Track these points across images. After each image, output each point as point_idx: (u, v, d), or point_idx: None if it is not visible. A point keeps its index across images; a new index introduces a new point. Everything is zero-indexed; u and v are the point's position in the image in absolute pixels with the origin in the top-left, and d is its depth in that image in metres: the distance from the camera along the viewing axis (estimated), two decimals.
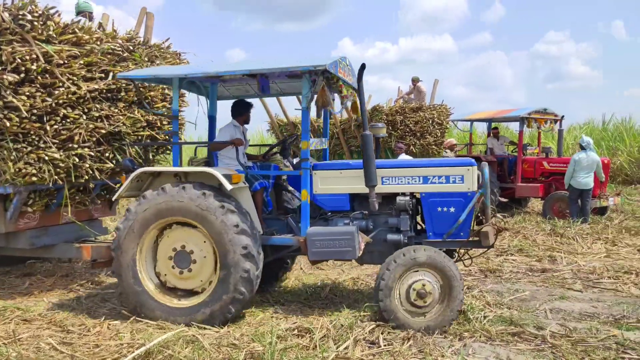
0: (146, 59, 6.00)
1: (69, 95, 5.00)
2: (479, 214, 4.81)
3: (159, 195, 4.52)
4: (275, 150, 5.84)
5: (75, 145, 5.11)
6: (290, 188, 5.54)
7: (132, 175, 4.70)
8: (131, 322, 4.57)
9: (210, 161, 5.41)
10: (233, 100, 5.53)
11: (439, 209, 4.67)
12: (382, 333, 4.17)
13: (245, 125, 5.54)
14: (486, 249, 4.81)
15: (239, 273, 4.38)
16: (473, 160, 4.71)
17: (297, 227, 4.93)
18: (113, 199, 5.45)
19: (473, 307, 4.69)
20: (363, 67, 4.45)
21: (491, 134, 12.58)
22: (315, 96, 4.77)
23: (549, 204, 10.06)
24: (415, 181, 4.72)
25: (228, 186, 4.46)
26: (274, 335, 3.99)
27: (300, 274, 6.56)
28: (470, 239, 4.69)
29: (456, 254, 5.04)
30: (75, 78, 5.09)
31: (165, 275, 4.68)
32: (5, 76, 4.56)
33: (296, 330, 4.23)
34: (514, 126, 16.18)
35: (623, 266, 6.39)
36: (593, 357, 3.77)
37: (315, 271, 6.55)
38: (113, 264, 4.70)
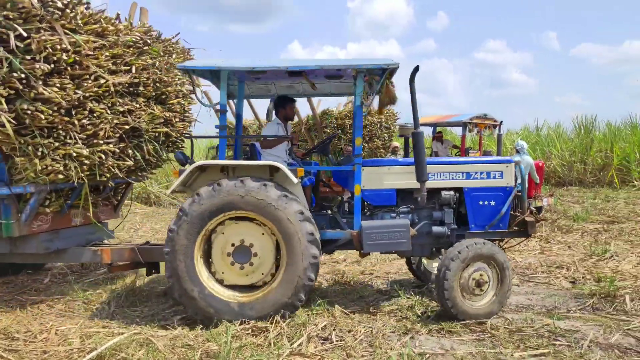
0: (161, 53, 5.85)
1: (96, 88, 4.79)
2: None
3: (215, 190, 4.44)
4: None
5: (101, 142, 4.85)
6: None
7: (189, 169, 4.58)
8: (80, 327, 4.48)
9: (253, 156, 5.37)
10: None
11: (481, 202, 4.97)
12: (334, 329, 4.32)
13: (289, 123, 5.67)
14: (524, 239, 5.16)
15: (308, 259, 4.42)
16: (511, 158, 5.09)
17: (343, 221, 5.05)
18: (168, 192, 5.31)
19: (420, 303, 4.97)
20: (417, 69, 4.56)
21: (435, 138, 13.05)
22: (380, 94, 4.90)
23: None
24: (459, 177, 5.01)
25: (294, 180, 4.52)
26: (229, 334, 4.05)
27: None
28: (509, 229, 5.01)
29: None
30: (101, 70, 4.86)
31: (223, 273, 4.59)
32: (37, 65, 4.24)
33: (251, 329, 4.31)
34: (457, 130, 16.83)
35: (555, 262, 6.89)
36: (528, 344, 4.07)
37: None
38: (167, 268, 4.49)
